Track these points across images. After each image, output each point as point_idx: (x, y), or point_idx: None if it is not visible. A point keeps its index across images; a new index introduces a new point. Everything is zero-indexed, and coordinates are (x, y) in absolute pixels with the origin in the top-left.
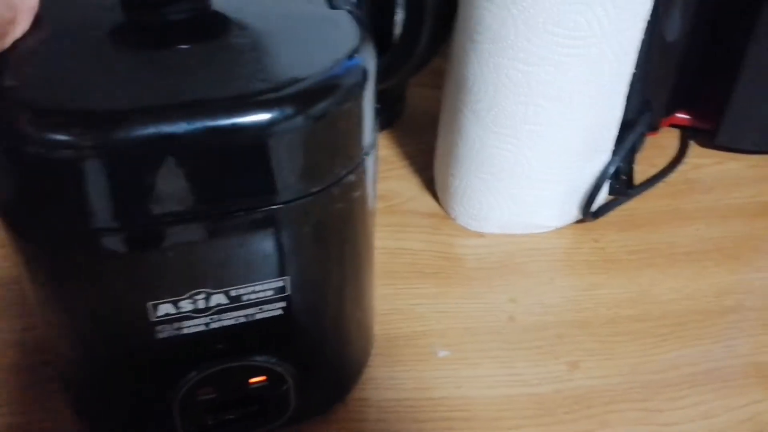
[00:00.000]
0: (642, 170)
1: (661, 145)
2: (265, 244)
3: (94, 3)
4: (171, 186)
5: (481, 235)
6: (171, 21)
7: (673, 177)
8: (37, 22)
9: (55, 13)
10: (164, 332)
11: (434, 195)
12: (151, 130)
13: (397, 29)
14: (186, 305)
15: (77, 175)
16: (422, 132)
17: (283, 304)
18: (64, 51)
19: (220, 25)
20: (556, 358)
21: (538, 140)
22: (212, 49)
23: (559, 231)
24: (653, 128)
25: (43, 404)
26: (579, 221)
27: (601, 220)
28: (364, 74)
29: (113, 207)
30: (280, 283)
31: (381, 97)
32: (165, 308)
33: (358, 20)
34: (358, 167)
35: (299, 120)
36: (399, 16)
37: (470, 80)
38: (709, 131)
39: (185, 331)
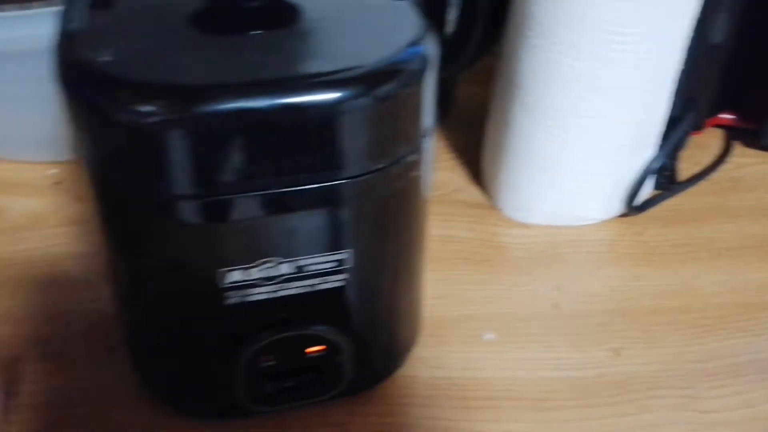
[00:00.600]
0: (686, 168)
1: (705, 144)
2: (330, 218)
3: None
4: (246, 159)
5: (526, 225)
6: (247, 8)
7: (716, 175)
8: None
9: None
10: (232, 299)
11: (481, 186)
12: (231, 105)
13: (448, 27)
14: (255, 273)
15: (163, 144)
16: (469, 127)
17: (344, 276)
18: (150, 32)
19: (292, 13)
20: (598, 344)
21: (585, 133)
22: (285, 35)
23: (603, 223)
24: (697, 128)
25: (110, 370)
26: (623, 215)
27: (645, 214)
28: (426, 61)
29: (192, 176)
30: (343, 256)
31: None
32: (235, 275)
33: (420, 11)
34: (417, 148)
35: (365, 100)
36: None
37: (521, 74)
38: (754, 132)
39: (252, 298)
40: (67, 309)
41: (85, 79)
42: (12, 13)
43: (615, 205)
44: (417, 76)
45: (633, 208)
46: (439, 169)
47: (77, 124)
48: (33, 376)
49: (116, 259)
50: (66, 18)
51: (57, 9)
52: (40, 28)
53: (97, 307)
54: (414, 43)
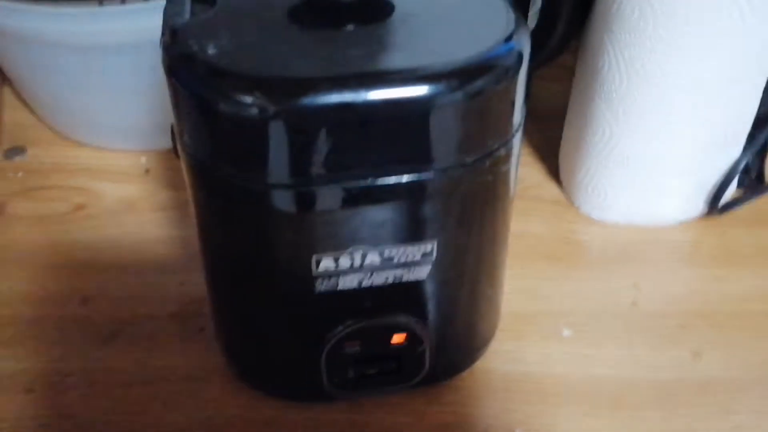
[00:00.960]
0: None
1: None
2: (419, 209)
3: None
4: (342, 151)
5: (604, 224)
6: (342, 3)
7: None
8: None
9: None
10: (323, 286)
11: (558, 183)
12: (330, 98)
13: (530, 21)
14: (344, 261)
15: (264, 135)
16: (547, 124)
17: (428, 267)
18: (250, 26)
19: (386, 8)
20: (678, 346)
21: (668, 132)
22: (380, 29)
23: (683, 224)
24: None
25: (200, 350)
26: (705, 215)
27: (728, 215)
28: (519, 57)
29: (290, 167)
30: (428, 248)
31: None
32: (326, 263)
33: (514, 7)
34: (507, 143)
35: (459, 95)
36: (534, 9)
37: (604, 69)
38: None
39: (340, 286)
40: (158, 291)
41: (191, 71)
42: (110, 8)
43: (697, 205)
44: (510, 72)
45: (716, 208)
46: None
47: (183, 114)
48: (127, 354)
49: (213, 245)
50: (170, 13)
51: (154, 4)
52: (136, 22)
53: (186, 289)
54: (507, 39)
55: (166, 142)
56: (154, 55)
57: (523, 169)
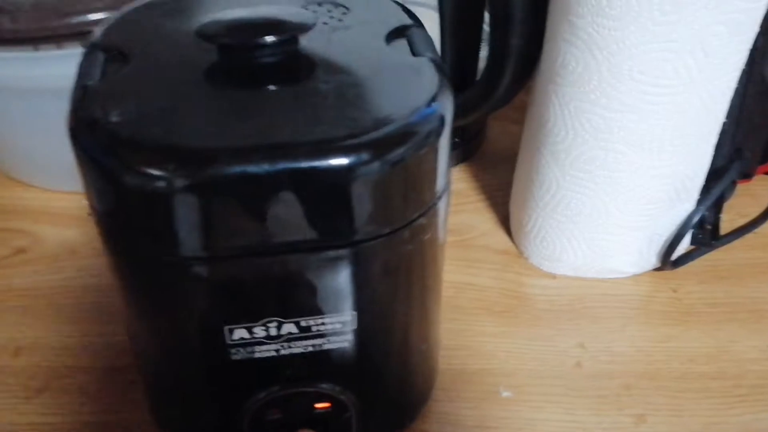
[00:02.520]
0: (730, 219)
1: (754, 193)
2: (335, 280)
3: (188, 43)
4: (254, 222)
5: (553, 276)
6: (261, 64)
7: (763, 228)
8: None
9: (151, 51)
10: (238, 354)
11: (508, 232)
12: (238, 169)
13: (481, 64)
14: (259, 331)
15: (170, 207)
16: (500, 166)
17: (349, 336)
18: (164, 88)
19: (307, 69)
20: (621, 409)
21: (617, 187)
22: (298, 93)
23: (635, 278)
24: (746, 176)
25: (130, 406)
26: (657, 269)
27: (681, 269)
28: (442, 121)
29: (198, 238)
30: (348, 317)
31: (460, 130)
32: (240, 333)
33: (439, 67)
34: (429, 211)
35: (376, 165)
36: (483, 52)
37: (550, 122)
38: None
39: (257, 355)
40: (93, 341)
41: (94, 139)
42: (46, 53)
43: (649, 259)
44: (432, 138)
45: (669, 262)
46: (466, 211)
47: (87, 179)
48: (56, 408)
49: (127, 310)
50: (81, 70)
51: (72, 53)
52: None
53: (121, 340)
54: (430, 103)
55: None
56: None
57: (474, 216)
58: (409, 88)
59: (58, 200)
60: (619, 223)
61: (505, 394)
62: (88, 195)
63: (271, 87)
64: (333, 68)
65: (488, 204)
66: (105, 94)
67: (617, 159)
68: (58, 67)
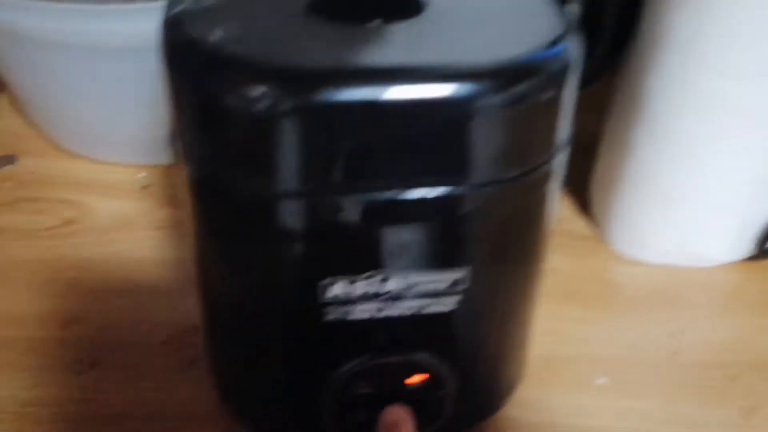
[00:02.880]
0: None
1: None
2: (450, 230)
3: None
4: (363, 156)
5: (638, 263)
6: None
7: None
8: None
9: None
10: (332, 315)
11: (589, 218)
12: (354, 92)
13: None
14: (361, 286)
15: (274, 132)
16: (576, 154)
17: (455, 298)
18: (263, 16)
19: (418, 4)
20: (728, 401)
21: (719, 164)
22: (412, 27)
23: (726, 266)
24: None
25: (189, 384)
26: (752, 257)
27: None
28: (570, 61)
29: (302, 171)
30: (458, 275)
31: None
32: (339, 287)
33: (564, 10)
34: (552, 159)
35: (503, 97)
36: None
37: (648, 94)
38: None
39: (352, 316)
40: (148, 316)
41: (192, 60)
42: (116, 6)
43: (744, 245)
44: (559, 77)
45: (764, 250)
46: None
47: (182, 110)
48: (109, 384)
49: (209, 265)
50: (172, 2)
51: (161, 4)
52: (142, 24)
53: (178, 316)
54: (557, 40)
55: (166, 158)
56: (158, 63)
57: None
58: (534, 26)
59: (108, 172)
60: (715, 204)
61: (600, 381)
62: (179, 126)
63: (382, 21)
64: (447, 5)
65: (567, 190)
66: (200, 17)
67: (723, 133)
68: (128, 23)
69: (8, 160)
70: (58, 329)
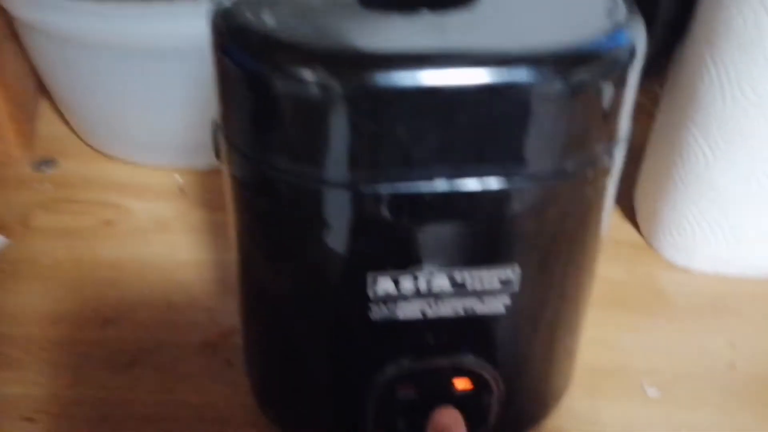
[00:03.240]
0: None
1: None
2: (502, 225)
3: None
4: (418, 143)
5: (689, 271)
6: None
7: None
8: None
9: None
10: (379, 313)
11: (634, 224)
12: (409, 77)
13: None
14: (407, 284)
15: (325, 118)
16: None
17: (506, 299)
18: (313, 3)
19: None
20: None
21: None
22: (465, 15)
23: None
24: None
25: (227, 387)
26: None
27: None
28: (632, 50)
29: (352, 159)
30: (509, 275)
31: None
32: (385, 284)
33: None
34: (610, 154)
35: (564, 84)
36: None
37: (701, 90)
38: None
39: (400, 315)
40: (185, 318)
41: (244, 43)
42: (157, 7)
43: None
44: (622, 66)
45: None
46: None
47: (230, 96)
48: (145, 385)
49: (251, 260)
50: None
51: (204, 6)
52: (183, 25)
53: (215, 318)
54: (620, 29)
55: (203, 161)
56: (199, 64)
57: None
58: (594, 13)
59: (145, 175)
60: None
61: (651, 392)
62: (226, 119)
63: (434, 11)
64: None
65: None
66: (253, 6)
67: None
68: (169, 24)
69: (48, 163)
70: (96, 329)
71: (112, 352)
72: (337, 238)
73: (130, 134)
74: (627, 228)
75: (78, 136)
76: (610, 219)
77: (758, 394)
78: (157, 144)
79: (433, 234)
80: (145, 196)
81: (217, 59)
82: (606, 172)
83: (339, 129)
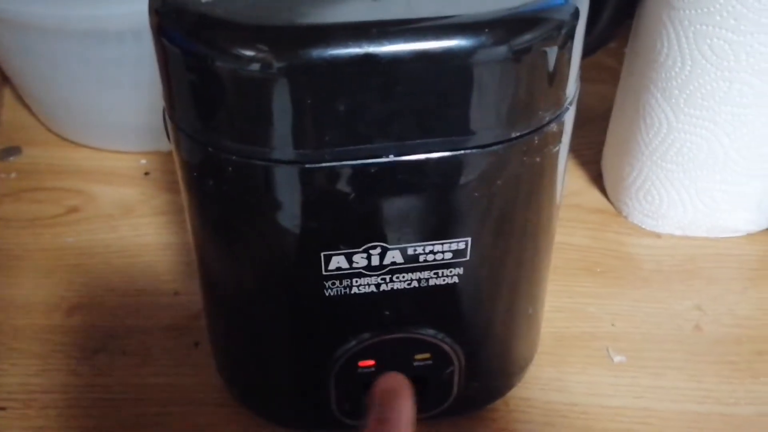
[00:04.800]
0: None
1: None
2: (452, 197)
3: None
4: (362, 117)
5: (657, 235)
6: None
7: None
8: None
9: None
10: (333, 289)
11: (601, 190)
12: (348, 49)
13: None
14: (360, 260)
15: (266, 95)
16: (586, 126)
17: (459, 270)
18: None
19: None
20: (755, 377)
21: (741, 126)
22: None
23: (749, 237)
24: None
25: (194, 369)
26: None
27: None
28: (576, 13)
29: (297, 136)
30: (461, 245)
31: None
32: (337, 261)
33: None
34: (559, 117)
35: (505, 49)
36: None
37: (662, 53)
38: None
39: (354, 290)
40: (151, 301)
41: (182, 24)
42: None
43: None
44: (566, 27)
45: None
46: None
47: (172, 80)
48: (114, 370)
49: (206, 242)
50: None
51: None
52: (137, 6)
53: (182, 300)
54: None
55: (167, 144)
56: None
57: None
58: None
59: (111, 160)
60: (738, 170)
61: (618, 358)
62: (171, 102)
63: None
64: None
65: (576, 163)
66: None
67: (743, 91)
68: (121, 6)
69: (13, 151)
70: (64, 316)
71: (80, 338)
72: (286, 216)
73: (92, 120)
74: (594, 194)
75: (42, 124)
76: (565, 185)
77: (723, 355)
78: (119, 128)
79: (383, 208)
80: (110, 182)
81: (155, 40)
82: (555, 137)
83: (280, 106)
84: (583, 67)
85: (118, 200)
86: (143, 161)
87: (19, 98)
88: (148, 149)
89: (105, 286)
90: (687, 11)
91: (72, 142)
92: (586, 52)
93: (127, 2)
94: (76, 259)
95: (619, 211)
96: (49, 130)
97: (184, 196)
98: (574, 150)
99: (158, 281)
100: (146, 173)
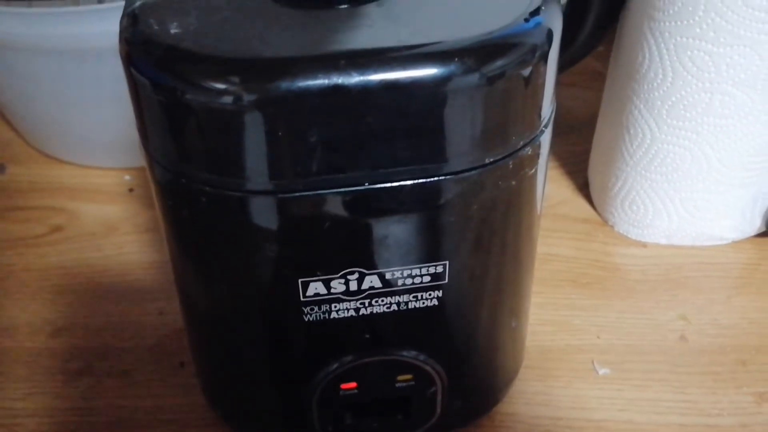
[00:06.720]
0: None
1: None
2: (428, 222)
3: None
4: (334, 147)
5: (643, 244)
6: None
7: None
8: None
9: None
10: (312, 315)
11: (588, 199)
12: (318, 81)
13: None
14: (338, 285)
15: (238, 128)
16: (573, 134)
17: (438, 293)
18: (223, 5)
19: None
20: (738, 387)
21: (722, 136)
22: (380, 8)
23: (735, 244)
24: None
25: (180, 389)
26: (761, 234)
27: None
28: (549, 35)
29: (270, 167)
30: (439, 269)
31: None
32: (315, 287)
33: None
34: (534, 140)
35: (477, 77)
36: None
37: (644, 64)
38: None
39: (334, 315)
40: (136, 321)
41: (150, 56)
42: (87, 8)
43: (753, 222)
44: (538, 52)
45: None
46: None
47: (144, 110)
48: (100, 391)
49: (185, 269)
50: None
51: (114, 7)
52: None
53: (166, 319)
54: (534, 13)
55: None
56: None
57: (548, 185)
58: (510, 1)
59: (95, 177)
60: (722, 179)
61: (603, 371)
62: (142, 127)
63: (348, 5)
64: None
65: (563, 172)
66: (158, 12)
67: (724, 102)
68: (101, 24)
69: None
70: (48, 338)
71: (65, 360)
72: (262, 245)
73: (75, 137)
74: (581, 203)
75: (26, 141)
76: (544, 201)
77: (707, 365)
78: (102, 145)
79: (359, 234)
80: (94, 199)
81: (125, 70)
82: (531, 160)
83: (251, 137)
84: (569, 73)
85: (102, 218)
86: (127, 177)
87: (1, 115)
88: (132, 165)
89: (90, 306)
90: (667, 23)
91: (56, 159)
92: (574, 59)
93: (106, 20)
94: (60, 280)
95: (605, 221)
96: (33, 147)
97: (160, 222)
98: (561, 158)
99: (143, 300)
100: (130, 189)
